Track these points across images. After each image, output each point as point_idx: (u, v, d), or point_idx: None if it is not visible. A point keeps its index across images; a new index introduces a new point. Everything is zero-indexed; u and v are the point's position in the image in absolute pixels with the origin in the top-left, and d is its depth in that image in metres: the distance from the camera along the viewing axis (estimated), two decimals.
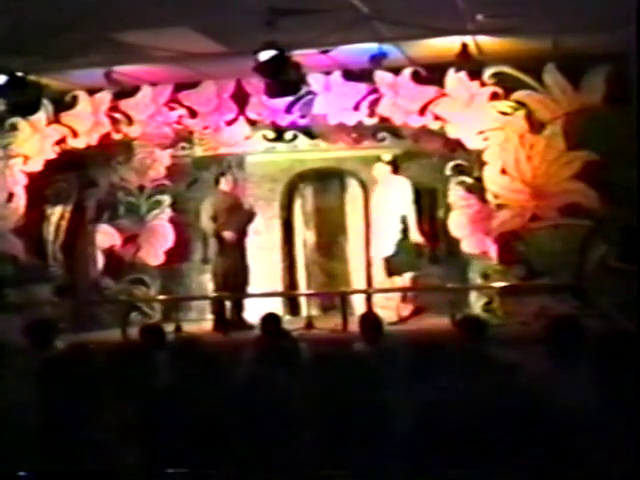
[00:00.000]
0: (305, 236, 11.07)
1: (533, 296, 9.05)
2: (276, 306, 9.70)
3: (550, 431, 2.26)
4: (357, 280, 10.83)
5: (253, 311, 9.27)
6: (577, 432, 2.38)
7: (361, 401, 2.83)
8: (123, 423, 2.95)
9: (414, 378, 3.61)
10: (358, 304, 9.99)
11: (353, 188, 11.00)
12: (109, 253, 10.82)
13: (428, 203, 10.42)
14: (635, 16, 6.96)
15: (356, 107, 9.82)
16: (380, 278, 10.49)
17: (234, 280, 9.74)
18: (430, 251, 10.26)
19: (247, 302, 9.89)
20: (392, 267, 9.81)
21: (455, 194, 10.04)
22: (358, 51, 8.76)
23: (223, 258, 9.72)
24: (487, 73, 9.38)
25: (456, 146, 9.78)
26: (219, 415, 2.64)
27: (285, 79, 8.06)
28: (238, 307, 9.74)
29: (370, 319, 6.52)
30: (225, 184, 10.00)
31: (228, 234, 9.64)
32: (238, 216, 9.85)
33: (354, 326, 7.46)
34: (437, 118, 9.63)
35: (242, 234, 9.86)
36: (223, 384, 3.40)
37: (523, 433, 2.21)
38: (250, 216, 10.01)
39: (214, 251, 9.86)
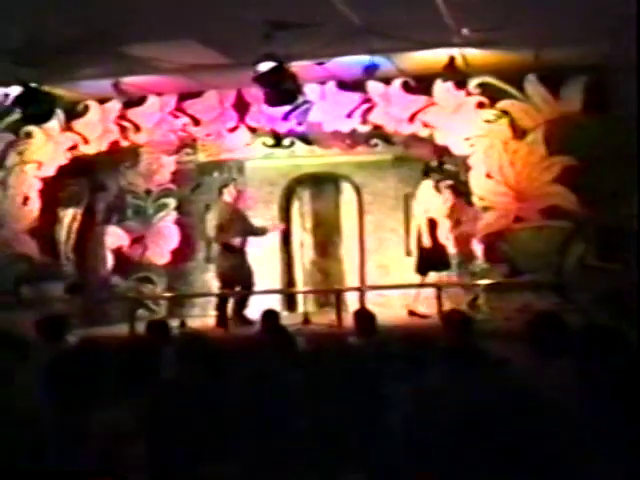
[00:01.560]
0: (302, 237, 11.06)
1: (516, 293, 9.08)
2: (275, 303, 9.64)
3: (531, 424, 2.24)
4: (350, 278, 10.82)
5: (254, 307, 9.22)
6: (557, 425, 2.36)
7: (356, 392, 2.82)
8: (130, 414, 2.93)
9: (405, 370, 3.60)
10: (351, 301, 9.91)
11: (347, 191, 11.00)
12: (118, 253, 10.82)
13: None
14: (623, 27, 6.94)
15: (350, 115, 9.84)
16: (373, 276, 10.54)
17: (238, 281, 9.69)
18: None
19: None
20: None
21: (444, 195, 9.95)
22: (352, 63, 8.77)
23: (227, 261, 9.65)
24: (472, 83, 9.40)
25: (444, 152, 9.81)
26: (223, 406, 2.62)
27: (283, 89, 8.04)
28: (240, 304, 9.68)
29: (364, 315, 6.51)
30: (228, 195, 9.92)
31: (236, 241, 9.58)
32: (241, 225, 9.76)
33: (348, 321, 7.44)
34: (426, 125, 9.66)
35: (244, 240, 9.79)
36: (225, 377, 3.40)
37: (506, 425, 2.19)
38: (250, 228, 9.90)
39: (218, 254, 9.81)
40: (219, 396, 2.56)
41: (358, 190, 10.80)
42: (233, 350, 4.25)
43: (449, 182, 9.99)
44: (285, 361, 3.60)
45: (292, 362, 3.72)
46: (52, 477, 2.58)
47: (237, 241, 9.61)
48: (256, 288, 9.89)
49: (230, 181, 10.35)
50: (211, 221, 9.83)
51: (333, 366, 3.07)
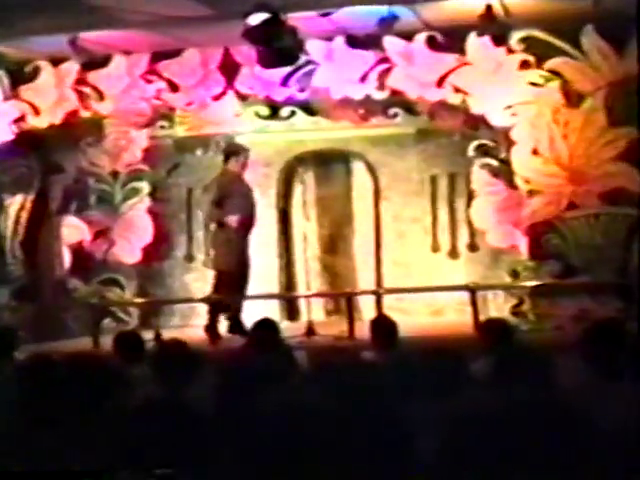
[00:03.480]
0: (305, 229, 10.90)
1: (570, 297, 9.10)
2: (272, 310, 9.76)
3: (586, 452, 2.26)
4: (364, 279, 10.86)
5: (245, 316, 9.28)
6: (616, 453, 2.38)
7: (372, 421, 2.83)
8: (91, 445, 2.95)
9: (433, 392, 3.64)
10: (366, 307, 10.06)
11: (361, 173, 11.04)
12: (77, 249, 10.81)
13: (448, 189, 10.55)
14: None
15: (363, 79, 9.81)
16: (392, 276, 10.62)
17: (234, 277, 9.62)
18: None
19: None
20: None
21: (479, 179, 10.10)
22: (365, 14, 8.76)
23: (223, 251, 9.62)
24: (515, 38, 9.36)
25: (480, 123, 9.82)
26: (202, 435, 2.64)
27: (280, 47, 8.06)
28: (235, 309, 9.65)
29: (383, 324, 6.55)
30: (235, 165, 9.75)
31: (233, 219, 9.48)
32: (245, 203, 9.69)
33: (362, 332, 7.46)
34: (457, 90, 9.62)
35: (248, 225, 9.69)
36: (209, 400, 3.40)
37: (556, 455, 2.21)
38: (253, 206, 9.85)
39: (211, 243, 9.85)
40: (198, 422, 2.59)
41: (373, 171, 10.84)
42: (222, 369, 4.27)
43: (486, 160, 10.07)
44: (281, 383, 3.63)
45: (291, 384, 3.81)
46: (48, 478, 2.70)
47: (236, 220, 9.48)
48: (249, 291, 9.84)
49: (242, 150, 9.95)
50: (208, 194, 9.80)
51: (343, 388, 3.11)
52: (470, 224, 10.29)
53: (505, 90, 9.42)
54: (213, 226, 9.77)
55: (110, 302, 10.74)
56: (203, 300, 9.94)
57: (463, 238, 10.48)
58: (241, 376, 3.77)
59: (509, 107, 9.43)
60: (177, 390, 4.20)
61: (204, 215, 10.16)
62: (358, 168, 11.03)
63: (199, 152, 10.99)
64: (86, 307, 10.41)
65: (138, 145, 10.92)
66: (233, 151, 9.95)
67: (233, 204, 9.54)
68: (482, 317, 8.69)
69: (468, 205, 10.25)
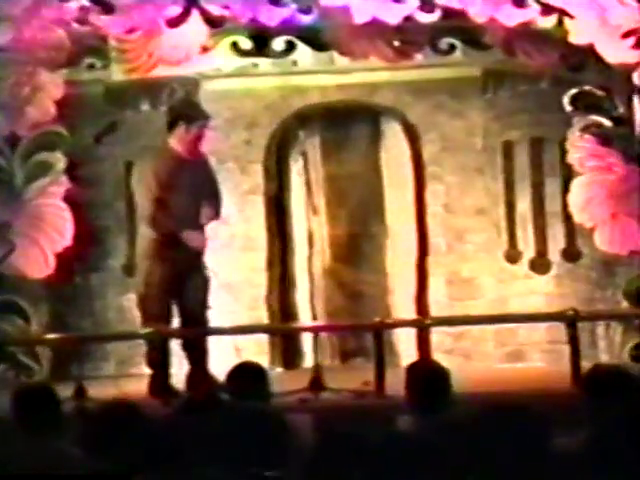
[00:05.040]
0: (309, 225, 11.06)
1: None
2: (258, 351, 10.09)
3: None
4: (403, 304, 10.86)
5: (216, 359, 9.49)
6: None
7: None
8: None
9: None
10: (405, 346, 10.35)
11: (396, 139, 11.07)
12: None
13: (531, 165, 10.61)
14: None
15: None
16: (443, 299, 10.68)
17: (184, 303, 9.70)
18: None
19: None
20: None
21: (581, 148, 10.11)
22: None
23: (163, 263, 9.68)
24: None
25: (584, 60, 9.87)
26: None
27: None
28: (197, 351, 9.74)
29: (427, 372, 6.65)
30: (178, 139, 9.80)
31: (194, 237, 9.58)
32: (203, 195, 9.78)
33: (398, 385, 7.29)
34: (548, 10, 9.63)
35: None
36: None
37: None
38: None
39: (148, 249, 9.82)
40: None
41: (415, 136, 10.88)
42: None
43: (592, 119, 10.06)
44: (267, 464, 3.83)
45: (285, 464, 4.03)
46: None
47: (199, 240, 9.61)
48: (222, 322, 10.10)
49: (197, 115, 10.00)
50: (143, 187, 9.84)
51: (365, 470, 3.44)
52: (567, 218, 10.34)
53: (622, 8, 9.50)
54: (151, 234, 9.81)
55: (7, 339, 10.64)
56: (150, 335, 9.79)
57: (556, 240, 10.54)
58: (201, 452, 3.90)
59: (630, 34, 9.49)
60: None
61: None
62: (392, 131, 11.09)
63: (145, 106, 11.00)
64: None
65: (50, 95, 10.70)
66: (177, 113, 10.04)
67: (176, 199, 9.66)
68: (586, 362, 8.65)
69: (565, 189, 10.24)
